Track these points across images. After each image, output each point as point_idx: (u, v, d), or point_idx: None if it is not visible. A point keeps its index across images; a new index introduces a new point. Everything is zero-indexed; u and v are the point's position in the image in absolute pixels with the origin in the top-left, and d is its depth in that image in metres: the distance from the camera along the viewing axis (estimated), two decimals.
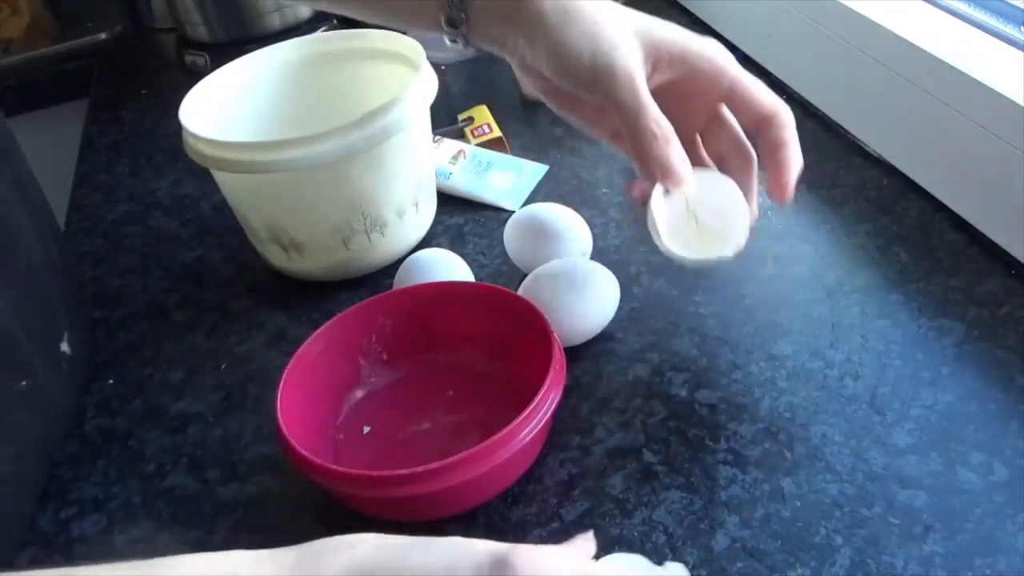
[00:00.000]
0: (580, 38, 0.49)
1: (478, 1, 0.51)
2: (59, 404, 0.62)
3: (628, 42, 0.49)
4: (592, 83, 0.49)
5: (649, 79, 0.50)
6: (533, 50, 0.50)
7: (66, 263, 0.68)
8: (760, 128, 0.52)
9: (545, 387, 0.50)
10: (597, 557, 0.46)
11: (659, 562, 0.46)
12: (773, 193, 0.51)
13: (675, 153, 0.49)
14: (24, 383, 0.56)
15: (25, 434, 0.57)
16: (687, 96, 0.53)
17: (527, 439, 0.49)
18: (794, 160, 0.51)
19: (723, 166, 0.54)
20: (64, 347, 0.62)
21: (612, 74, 0.48)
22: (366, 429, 0.57)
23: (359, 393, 0.59)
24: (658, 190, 0.51)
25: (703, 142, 0.55)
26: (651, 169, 0.49)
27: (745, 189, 0.53)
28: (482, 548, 0.36)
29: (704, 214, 0.52)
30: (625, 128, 0.49)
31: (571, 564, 0.38)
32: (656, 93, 0.50)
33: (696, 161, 0.53)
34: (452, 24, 0.53)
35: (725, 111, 0.54)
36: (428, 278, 0.63)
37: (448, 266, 0.64)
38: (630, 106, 0.48)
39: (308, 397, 0.55)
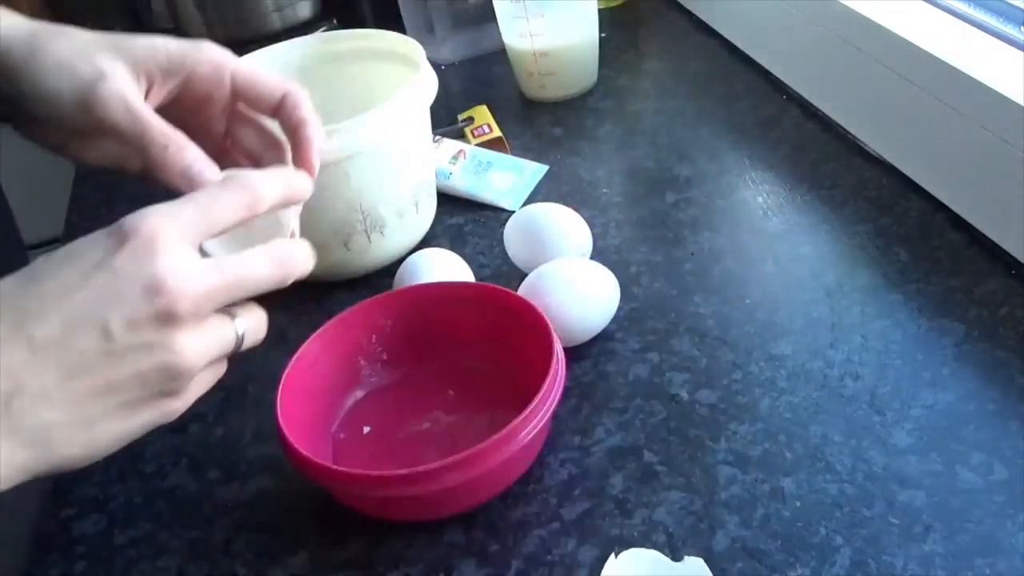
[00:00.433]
0: (56, 79, 0.45)
1: None
2: None
3: (110, 66, 0.46)
4: (85, 121, 0.46)
5: (149, 96, 0.47)
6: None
7: None
8: (277, 114, 0.50)
9: (545, 387, 0.50)
10: (617, 554, 0.46)
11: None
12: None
13: (190, 157, 0.46)
14: None
15: None
16: (199, 103, 0.50)
17: (527, 439, 0.49)
18: (312, 137, 0.49)
19: (262, 163, 0.52)
20: None
21: (104, 105, 0.45)
22: (366, 429, 0.57)
23: (359, 393, 0.59)
24: None
25: (233, 145, 0.53)
26: (175, 181, 0.46)
27: None
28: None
29: None
30: (136, 151, 0.46)
31: (181, 225, 0.39)
32: (166, 110, 0.47)
33: (231, 165, 0.51)
34: None
35: (244, 107, 0.51)
36: (428, 278, 0.63)
37: (448, 266, 0.64)
38: (131, 129, 0.45)
39: (308, 397, 0.55)
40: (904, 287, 0.61)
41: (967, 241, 0.64)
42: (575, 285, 0.59)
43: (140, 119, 0.45)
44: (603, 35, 0.92)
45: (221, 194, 0.41)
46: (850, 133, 0.77)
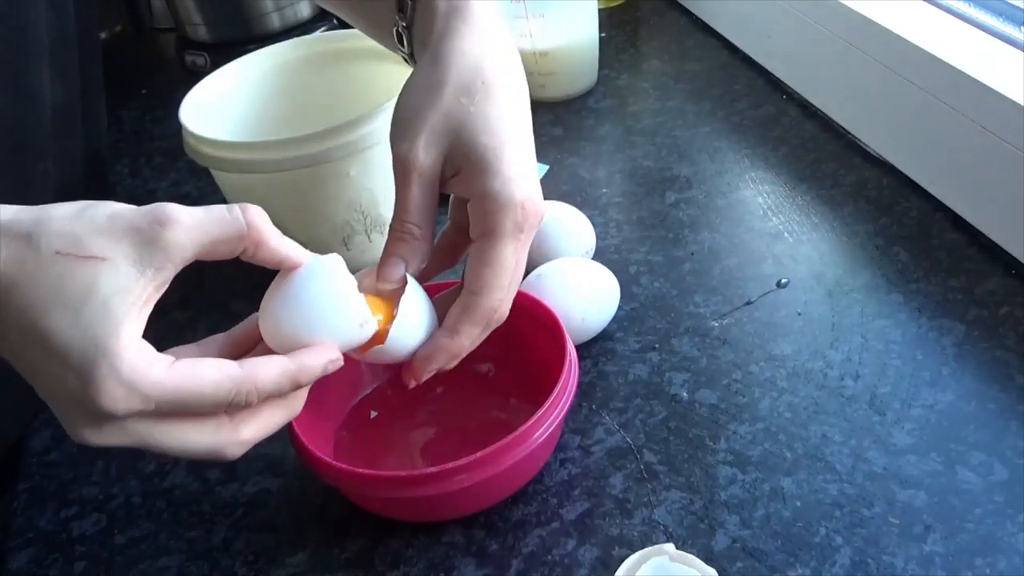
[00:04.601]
0: (403, 112, 0.48)
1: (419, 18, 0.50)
2: None
3: (431, 134, 0.47)
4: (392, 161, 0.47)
5: (448, 182, 0.48)
6: None
7: None
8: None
9: (561, 382, 0.49)
10: (620, 557, 0.46)
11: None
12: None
13: (401, 254, 0.48)
14: None
15: None
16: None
17: (545, 436, 0.48)
18: (444, 345, 0.46)
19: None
20: None
21: (394, 157, 0.47)
22: (373, 414, 0.58)
23: (361, 395, 0.59)
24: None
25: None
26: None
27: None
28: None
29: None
30: None
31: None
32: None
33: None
34: (399, 41, 0.53)
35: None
36: None
37: None
38: (397, 190, 0.47)
39: (313, 397, 0.55)
40: (904, 287, 0.61)
41: (967, 241, 0.64)
42: (575, 285, 0.59)
43: (404, 189, 0.48)
44: (603, 35, 0.92)
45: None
46: (850, 133, 0.77)
